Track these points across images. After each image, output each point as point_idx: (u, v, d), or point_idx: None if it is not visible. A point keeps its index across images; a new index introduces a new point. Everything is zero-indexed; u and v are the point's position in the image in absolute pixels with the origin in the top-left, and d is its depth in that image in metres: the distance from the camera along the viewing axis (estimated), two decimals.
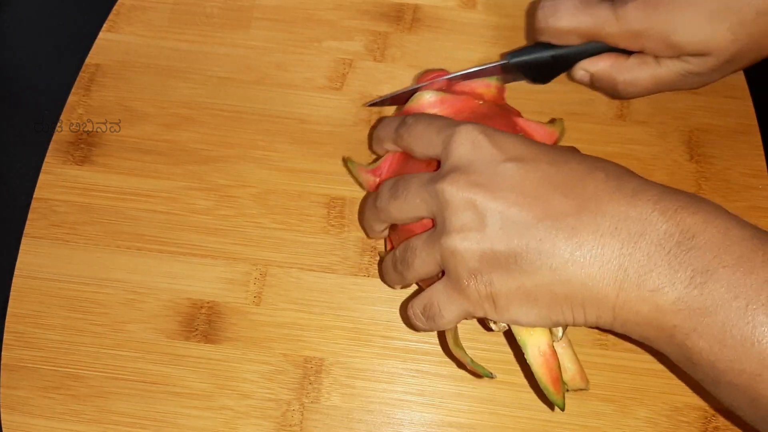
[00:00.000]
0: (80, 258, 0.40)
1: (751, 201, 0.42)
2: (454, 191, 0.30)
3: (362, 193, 0.41)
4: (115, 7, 0.47)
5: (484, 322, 0.33)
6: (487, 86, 0.38)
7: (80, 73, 0.45)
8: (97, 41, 0.46)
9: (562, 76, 0.41)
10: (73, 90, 0.44)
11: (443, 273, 0.32)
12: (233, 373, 0.38)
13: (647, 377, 0.38)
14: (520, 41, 0.46)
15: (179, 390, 0.38)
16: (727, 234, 0.27)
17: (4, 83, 0.47)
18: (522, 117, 0.37)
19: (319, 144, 0.43)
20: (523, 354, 0.31)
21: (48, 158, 0.42)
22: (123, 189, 0.42)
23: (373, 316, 0.39)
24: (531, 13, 0.39)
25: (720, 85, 0.44)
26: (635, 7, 0.36)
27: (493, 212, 0.29)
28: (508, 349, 0.38)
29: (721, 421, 0.37)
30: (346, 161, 0.40)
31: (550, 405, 0.37)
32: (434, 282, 0.32)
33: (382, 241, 0.40)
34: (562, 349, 0.33)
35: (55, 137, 0.43)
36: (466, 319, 0.32)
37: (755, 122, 0.44)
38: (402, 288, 0.37)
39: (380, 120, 0.40)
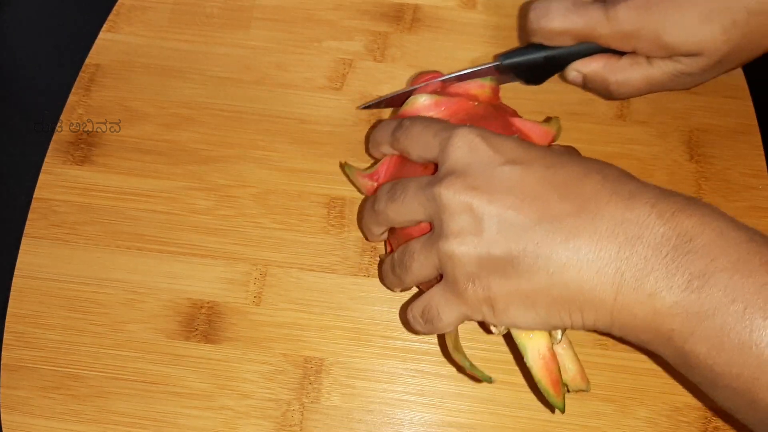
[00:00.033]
0: (80, 258, 0.40)
1: (751, 201, 0.42)
2: (451, 195, 0.30)
3: (362, 195, 0.41)
4: (115, 7, 0.47)
5: (484, 325, 0.33)
6: (481, 87, 0.38)
7: (80, 73, 0.45)
8: (97, 41, 0.46)
9: (556, 77, 0.41)
10: (73, 90, 0.44)
11: (442, 276, 0.32)
12: (233, 373, 0.38)
13: (647, 377, 0.38)
14: (521, 41, 0.46)
15: (179, 390, 0.38)
16: (724, 237, 0.27)
17: (4, 83, 0.47)
18: (518, 117, 0.37)
19: (319, 144, 0.43)
20: (522, 357, 0.31)
21: (48, 158, 0.42)
22: (123, 189, 0.42)
23: (373, 316, 0.39)
24: (523, 15, 0.39)
25: (720, 85, 0.44)
26: (627, 7, 0.36)
27: (490, 216, 0.29)
28: (507, 349, 0.38)
29: (721, 422, 0.37)
30: (343, 166, 0.40)
31: (551, 407, 0.37)
32: (433, 285, 0.32)
33: (382, 243, 0.40)
34: (562, 350, 0.33)
35: (55, 137, 0.43)
36: (466, 321, 0.32)
37: (755, 122, 0.44)
38: (402, 291, 0.37)
39: (377, 123, 0.40)
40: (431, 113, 0.36)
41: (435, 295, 0.32)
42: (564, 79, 0.41)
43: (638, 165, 0.43)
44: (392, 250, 0.37)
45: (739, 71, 0.45)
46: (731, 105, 0.44)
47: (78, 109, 0.44)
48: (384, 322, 0.39)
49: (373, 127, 0.38)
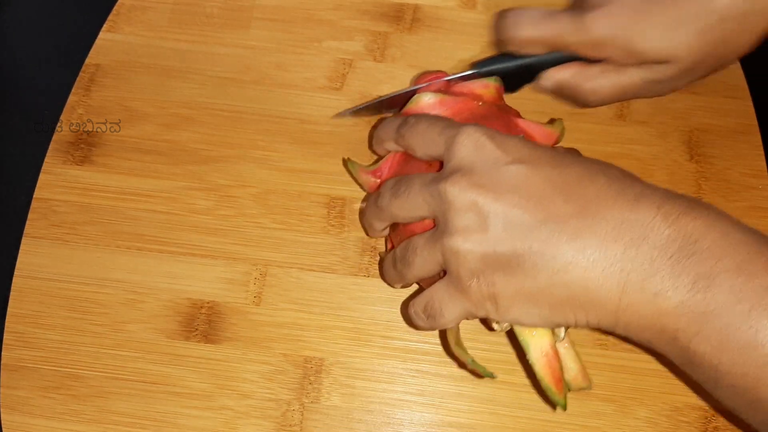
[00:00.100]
0: (80, 258, 0.40)
1: (751, 201, 0.42)
2: (456, 192, 0.30)
3: (362, 193, 0.41)
4: (115, 7, 0.47)
5: (486, 323, 0.33)
6: (485, 87, 0.38)
7: (80, 73, 0.45)
8: (97, 41, 0.46)
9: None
10: (73, 90, 0.44)
11: (444, 273, 0.32)
12: (233, 373, 0.38)
13: (647, 377, 0.38)
14: None
15: (179, 390, 0.38)
16: (729, 238, 0.27)
17: (4, 83, 0.47)
18: (521, 117, 0.37)
19: (319, 144, 0.43)
20: (525, 354, 0.31)
21: (48, 158, 0.42)
22: (123, 189, 0.42)
23: (373, 316, 0.39)
24: (496, 24, 0.40)
25: (720, 85, 0.44)
26: (596, 16, 0.36)
27: (495, 214, 0.29)
28: (508, 348, 0.38)
29: (721, 421, 0.37)
30: (346, 162, 0.40)
31: (552, 405, 0.37)
32: (435, 281, 0.32)
33: (382, 241, 0.40)
34: (564, 349, 0.33)
35: (55, 137, 0.43)
36: (468, 319, 0.32)
37: (755, 122, 0.44)
38: (402, 287, 0.37)
39: (381, 120, 0.40)
40: (435, 112, 0.36)
41: (438, 290, 0.32)
42: (537, 87, 0.41)
43: (638, 165, 0.43)
44: (393, 247, 0.37)
45: (739, 71, 0.45)
46: (731, 105, 0.44)
47: (78, 109, 0.44)
48: (384, 322, 0.39)
49: (377, 125, 0.38)
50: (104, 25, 0.46)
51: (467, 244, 0.30)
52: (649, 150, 0.43)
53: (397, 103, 0.40)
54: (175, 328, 0.39)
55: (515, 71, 0.39)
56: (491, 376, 0.32)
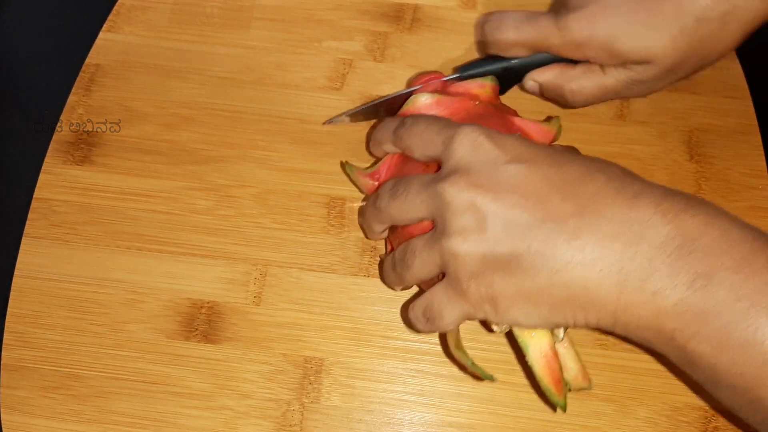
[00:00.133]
0: (80, 258, 0.40)
1: (751, 201, 0.42)
2: (455, 192, 0.30)
3: (362, 194, 0.41)
4: (115, 7, 0.47)
5: (486, 324, 0.33)
6: (482, 86, 0.38)
7: (80, 73, 0.45)
8: (97, 41, 0.46)
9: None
10: (73, 90, 0.44)
11: (443, 275, 0.32)
12: (233, 373, 0.38)
13: (647, 377, 0.38)
14: None
15: (179, 390, 0.38)
16: (728, 236, 0.27)
17: (4, 83, 0.47)
18: (518, 116, 0.37)
19: (319, 144, 0.43)
20: (524, 355, 0.31)
21: (48, 158, 0.42)
22: (123, 189, 0.42)
23: (373, 316, 0.39)
24: (479, 27, 0.40)
25: (720, 85, 0.45)
26: (577, 17, 0.36)
27: (494, 214, 0.29)
28: (508, 348, 0.38)
29: (721, 421, 0.37)
30: (344, 165, 0.40)
31: (552, 406, 0.37)
32: (434, 284, 0.32)
33: (382, 242, 0.40)
34: (564, 349, 0.33)
35: (55, 137, 0.43)
36: (468, 319, 0.32)
37: (755, 122, 0.44)
38: (402, 290, 0.37)
39: (378, 122, 0.40)
40: (432, 112, 0.36)
41: (437, 293, 0.32)
42: (522, 89, 0.41)
43: (638, 165, 0.43)
44: (392, 249, 0.37)
45: (739, 71, 0.45)
46: (731, 105, 0.44)
47: (78, 109, 0.44)
48: (384, 322, 0.39)
49: (374, 126, 0.38)
50: (104, 25, 0.46)
51: (466, 245, 0.29)
52: (649, 150, 0.43)
53: (392, 106, 0.40)
54: (175, 328, 0.39)
55: (500, 74, 0.40)
56: (491, 378, 0.32)
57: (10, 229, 0.41)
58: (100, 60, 0.45)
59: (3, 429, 0.37)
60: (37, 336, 0.39)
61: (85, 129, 0.43)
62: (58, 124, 0.43)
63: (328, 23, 0.46)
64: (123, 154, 0.42)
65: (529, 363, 0.31)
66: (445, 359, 0.38)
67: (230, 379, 0.38)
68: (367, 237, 0.39)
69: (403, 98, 0.38)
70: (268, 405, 0.37)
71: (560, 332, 0.32)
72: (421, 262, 0.32)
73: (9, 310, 0.39)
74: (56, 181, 0.42)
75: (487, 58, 0.40)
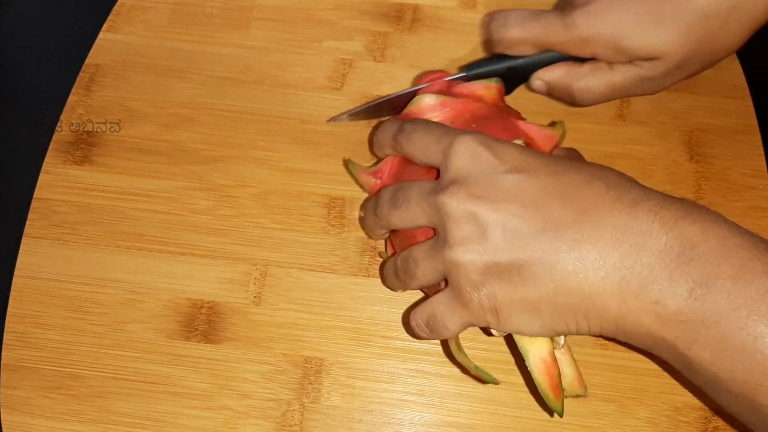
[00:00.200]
0: (80, 258, 0.40)
1: (751, 201, 0.42)
2: (455, 204, 0.30)
3: (362, 194, 0.41)
4: (115, 7, 0.47)
5: (485, 328, 0.33)
6: (487, 88, 0.38)
7: (80, 73, 0.45)
8: (97, 41, 0.46)
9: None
10: (73, 90, 0.44)
11: (446, 281, 0.32)
12: (233, 373, 0.38)
13: (647, 377, 0.38)
14: None
15: (179, 390, 0.38)
16: (727, 244, 0.27)
17: (4, 83, 0.47)
18: (522, 119, 0.37)
19: (319, 144, 0.43)
20: (523, 360, 0.31)
21: (48, 158, 0.42)
22: (123, 189, 0.42)
23: (373, 316, 0.39)
24: (485, 25, 0.40)
25: (720, 85, 0.44)
26: (583, 13, 0.36)
27: (494, 224, 0.29)
28: (506, 348, 0.38)
29: (721, 421, 0.37)
30: (346, 163, 0.40)
31: (549, 411, 0.37)
32: (438, 289, 0.32)
33: (382, 241, 0.40)
34: (561, 355, 0.33)
35: (55, 137, 0.43)
36: (470, 327, 0.32)
37: (755, 122, 0.44)
38: (404, 291, 0.37)
39: (379, 124, 0.40)
40: (436, 113, 0.36)
41: (439, 303, 0.32)
42: (529, 88, 0.41)
43: (638, 165, 0.43)
44: (393, 249, 0.37)
45: (739, 71, 0.45)
46: (731, 105, 0.44)
47: (78, 109, 0.44)
48: (384, 322, 0.39)
49: (376, 128, 0.38)
50: (104, 25, 0.46)
51: (468, 255, 0.30)
52: (649, 150, 0.43)
53: (396, 105, 0.40)
54: (175, 328, 0.39)
55: (505, 73, 0.39)
56: (494, 381, 0.32)
57: (10, 229, 0.41)
58: (100, 60, 0.45)
59: (3, 429, 0.37)
60: (37, 336, 0.39)
61: (85, 129, 0.43)
62: (58, 124, 0.43)
63: (328, 23, 0.46)
64: (123, 154, 0.42)
65: (528, 368, 0.31)
66: (446, 359, 0.38)
67: (230, 379, 0.38)
68: (369, 237, 0.39)
69: (407, 97, 0.38)
70: (268, 405, 0.37)
71: (561, 339, 0.32)
72: (424, 272, 0.32)
73: (9, 310, 0.39)
74: (56, 181, 0.42)
75: (493, 57, 0.40)
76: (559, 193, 0.29)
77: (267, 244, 0.41)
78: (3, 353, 0.38)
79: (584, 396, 0.33)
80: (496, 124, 0.35)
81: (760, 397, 0.26)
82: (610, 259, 0.28)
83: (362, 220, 0.38)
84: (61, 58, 0.47)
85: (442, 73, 0.39)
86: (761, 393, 0.26)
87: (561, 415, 0.31)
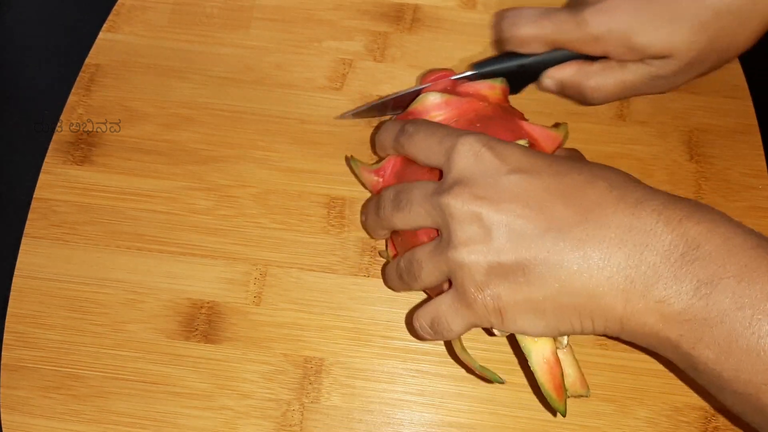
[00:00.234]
0: (80, 258, 0.40)
1: (751, 201, 0.42)
2: (459, 205, 0.30)
3: (363, 193, 0.41)
4: (115, 7, 0.47)
5: (487, 329, 0.33)
6: (491, 88, 0.38)
7: (80, 73, 0.45)
8: (97, 41, 0.46)
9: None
10: (73, 90, 0.44)
11: (450, 282, 0.32)
12: (233, 373, 0.38)
13: (647, 377, 0.38)
14: None
15: (179, 390, 0.38)
16: (731, 243, 0.27)
17: (4, 83, 0.47)
18: (526, 119, 0.37)
19: (319, 144, 0.43)
20: (526, 360, 0.31)
21: (48, 158, 0.42)
22: (123, 189, 0.42)
23: (373, 316, 0.39)
24: (496, 23, 0.40)
25: (720, 85, 0.44)
26: (595, 11, 0.36)
27: (498, 225, 0.29)
28: (508, 348, 0.38)
29: (722, 421, 0.37)
30: (349, 160, 0.40)
31: (552, 410, 0.37)
32: (441, 290, 0.32)
33: (382, 240, 0.40)
34: (563, 355, 0.33)
35: (55, 137, 0.43)
36: (474, 327, 0.32)
37: (755, 122, 0.44)
38: (407, 292, 0.37)
39: (381, 125, 0.40)
40: (440, 112, 0.36)
41: (443, 304, 0.32)
42: (539, 87, 0.41)
43: (638, 165, 0.43)
44: (395, 250, 0.37)
45: (739, 71, 0.45)
46: (731, 105, 0.44)
47: (78, 109, 0.44)
48: (384, 322, 0.39)
49: (378, 128, 0.38)
50: (104, 25, 0.46)
51: (472, 255, 0.30)
52: (649, 150, 0.43)
53: (401, 103, 0.40)
54: (175, 328, 0.39)
55: (516, 71, 0.39)
56: (499, 381, 0.32)
57: (10, 229, 0.41)
58: (100, 60, 0.45)
59: (3, 429, 0.37)
60: (37, 336, 0.39)
61: (85, 129, 0.43)
62: (58, 124, 0.43)
63: (328, 23, 0.46)
64: (123, 154, 0.42)
65: (531, 368, 0.31)
66: (446, 359, 0.38)
67: (230, 379, 0.38)
68: (371, 237, 0.39)
69: (413, 95, 0.38)
70: (268, 405, 0.37)
71: (564, 339, 0.32)
72: (428, 273, 0.32)
73: (9, 310, 0.39)
74: (56, 181, 0.42)
75: (504, 55, 0.40)
76: (562, 194, 0.29)
77: (267, 244, 0.41)
78: (3, 353, 0.38)
79: (586, 396, 0.33)
80: (499, 124, 0.35)
81: (765, 396, 0.26)
82: (615, 259, 0.28)
83: (364, 221, 0.38)
84: (61, 58, 0.47)
85: (447, 71, 0.39)
86: (766, 392, 0.26)
87: (564, 415, 0.31)
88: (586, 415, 0.37)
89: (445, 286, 0.32)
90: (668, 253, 0.27)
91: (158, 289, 0.39)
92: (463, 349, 0.33)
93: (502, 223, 0.29)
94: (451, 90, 0.38)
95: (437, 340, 0.33)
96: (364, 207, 0.40)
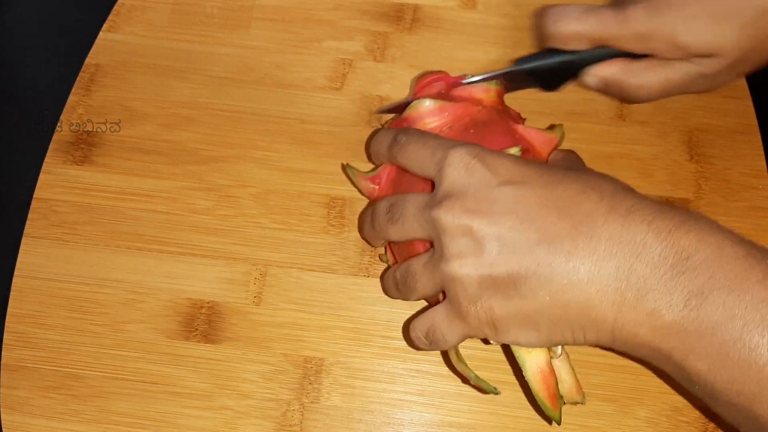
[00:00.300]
0: (80, 258, 0.40)
1: (751, 201, 0.42)
2: (450, 218, 0.30)
3: (362, 196, 0.41)
4: (115, 7, 0.47)
5: (483, 339, 0.33)
6: (486, 91, 0.38)
7: (80, 73, 0.45)
8: (97, 41, 0.46)
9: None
10: (73, 90, 0.44)
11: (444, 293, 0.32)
12: (233, 373, 0.38)
13: (647, 377, 0.38)
14: (521, 41, 0.46)
15: (179, 390, 0.38)
16: (722, 252, 0.27)
17: (4, 83, 0.47)
18: (522, 123, 0.37)
19: (319, 144, 0.43)
20: (521, 369, 0.31)
21: (48, 158, 0.42)
22: (123, 189, 0.42)
23: (373, 316, 0.39)
24: (538, 19, 0.39)
25: None
26: (641, 8, 0.36)
27: (490, 237, 0.29)
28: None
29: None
30: (345, 167, 0.40)
31: (548, 419, 0.37)
32: (438, 300, 0.33)
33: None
34: (559, 362, 0.33)
35: (55, 137, 0.43)
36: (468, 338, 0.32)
37: (755, 122, 0.44)
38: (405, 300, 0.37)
39: (375, 132, 0.40)
40: (435, 118, 0.36)
41: (438, 316, 0.32)
42: (581, 84, 0.41)
43: (638, 165, 0.43)
44: (393, 255, 0.37)
45: None
46: (731, 105, 0.44)
47: (78, 109, 0.44)
48: (384, 322, 0.39)
49: (372, 135, 0.38)
50: (104, 25, 0.46)
51: (464, 269, 0.30)
52: (649, 150, 0.43)
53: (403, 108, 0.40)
54: (175, 328, 0.39)
55: (558, 67, 0.39)
56: (495, 391, 0.32)
57: (10, 229, 0.41)
58: (100, 60, 0.45)
59: (3, 429, 0.37)
60: (37, 336, 0.39)
61: (85, 129, 0.43)
62: (58, 124, 0.43)
63: (328, 23, 0.46)
64: (123, 154, 0.42)
65: (526, 378, 0.31)
66: (448, 367, 0.38)
67: (230, 379, 0.38)
68: (368, 244, 0.39)
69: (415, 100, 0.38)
70: (268, 405, 0.37)
71: (558, 348, 0.32)
72: (423, 285, 0.32)
73: (9, 310, 0.39)
74: (56, 181, 0.42)
75: (545, 51, 0.40)
76: (553, 206, 0.29)
77: (267, 244, 0.41)
78: (3, 353, 0.38)
79: (582, 403, 0.33)
80: (494, 129, 0.35)
81: (757, 407, 0.26)
82: (605, 271, 0.28)
83: (360, 231, 0.38)
84: (61, 58, 0.47)
85: (442, 73, 0.39)
86: (758, 403, 0.26)
87: (559, 423, 0.31)
88: (586, 415, 0.37)
89: (441, 296, 0.33)
90: (658, 264, 0.27)
91: (158, 289, 0.39)
92: (459, 359, 0.33)
93: (494, 236, 0.29)
94: (446, 95, 0.38)
95: (433, 350, 0.33)
96: (361, 217, 0.40)
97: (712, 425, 0.37)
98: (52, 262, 0.40)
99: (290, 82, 0.45)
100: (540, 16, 0.39)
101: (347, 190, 0.42)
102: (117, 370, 0.38)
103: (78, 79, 0.45)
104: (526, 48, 0.45)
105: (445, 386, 0.38)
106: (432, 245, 0.32)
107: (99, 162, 0.42)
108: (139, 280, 0.40)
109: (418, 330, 0.33)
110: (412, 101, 0.37)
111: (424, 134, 0.34)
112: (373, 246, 0.38)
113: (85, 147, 0.43)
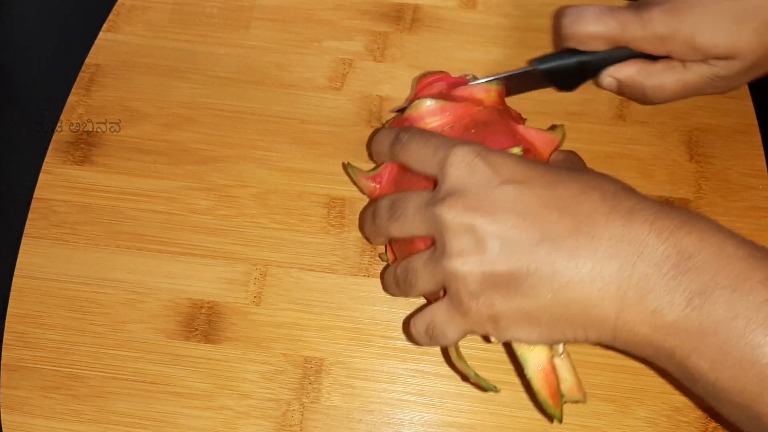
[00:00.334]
0: (80, 258, 0.40)
1: (751, 201, 0.42)
2: (452, 216, 0.30)
3: (363, 194, 0.41)
4: (115, 7, 0.47)
5: (484, 336, 0.33)
6: (487, 91, 0.38)
7: (80, 73, 0.45)
8: (97, 41, 0.46)
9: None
10: (73, 90, 0.44)
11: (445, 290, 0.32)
12: (233, 373, 0.38)
13: (647, 377, 0.38)
14: (521, 41, 0.46)
15: (179, 390, 0.38)
16: (724, 252, 0.27)
17: (4, 83, 0.47)
18: (522, 123, 0.37)
19: (319, 144, 0.43)
20: (522, 367, 0.31)
21: (48, 158, 0.42)
22: (123, 189, 0.42)
23: (373, 316, 0.39)
24: (556, 20, 0.39)
25: None
26: (660, 10, 0.36)
27: (492, 235, 0.29)
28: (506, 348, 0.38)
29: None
30: (346, 167, 0.40)
31: (549, 417, 0.37)
32: (438, 297, 0.32)
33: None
34: (560, 361, 0.33)
35: (55, 137, 0.43)
36: (470, 335, 0.32)
37: (755, 122, 0.44)
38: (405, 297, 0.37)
39: (376, 131, 0.40)
40: (435, 118, 0.36)
41: (439, 312, 0.32)
42: (598, 85, 0.41)
43: (638, 165, 0.43)
44: (393, 254, 0.37)
45: None
46: (731, 105, 0.44)
47: (78, 109, 0.44)
48: (384, 322, 0.39)
49: (374, 134, 0.38)
50: (104, 25, 0.46)
51: (466, 266, 0.30)
52: (649, 150, 0.43)
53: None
54: (175, 328, 0.39)
55: (575, 68, 0.39)
56: (494, 389, 0.32)
57: (10, 229, 0.41)
58: (100, 60, 0.45)
59: (3, 429, 0.37)
60: (37, 336, 0.39)
61: (85, 129, 0.43)
62: (58, 124, 0.43)
63: (328, 23, 0.46)
64: (123, 154, 0.42)
65: (527, 376, 0.31)
66: (448, 365, 0.38)
67: (230, 379, 0.38)
68: (368, 242, 0.39)
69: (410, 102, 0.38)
70: (268, 405, 0.37)
71: (559, 347, 0.32)
72: (423, 282, 0.32)
73: (9, 310, 0.39)
74: (56, 181, 0.42)
75: (562, 51, 0.40)
76: (554, 205, 0.29)
77: (267, 244, 0.41)
78: (3, 353, 0.38)
79: (583, 402, 0.33)
80: (495, 129, 0.35)
81: (759, 406, 0.26)
82: (607, 270, 0.28)
83: (362, 228, 0.38)
84: (61, 58, 0.47)
85: (443, 73, 0.39)
86: (760, 402, 0.26)
87: (560, 422, 0.31)
88: (586, 415, 0.37)
89: (441, 293, 0.33)
90: (660, 263, 0.27)
91: (158, 289, 0.39)
92: (459, 356, 0.33)
93: (495, 234, 0.29)
94: (447, 95, 0.38)
95: (433, 345, 0.33)
96: (362, 215, 0.40)
97: (712, 425, 0.37)
98: (52, 262, 0.40)
99: (290, 82, 0.45)
100: (558, 16, 0.39)
101: (347, 190, 0.42)
102: (117, 370, 0.38)
103: (78, 79, 0.45)
104: (526, 48, 0.45)
105: (445, 386, 0.38)
106: (433, 243, 0.32)
107: (99, 162, 0.42)
108: (139, 280, 0.40)
109: (418, 325, 0.33)
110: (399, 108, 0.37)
111: (426, 133, 0.34)
112: (373, 244, 0.38)
113: (85, 147, 0.43)
